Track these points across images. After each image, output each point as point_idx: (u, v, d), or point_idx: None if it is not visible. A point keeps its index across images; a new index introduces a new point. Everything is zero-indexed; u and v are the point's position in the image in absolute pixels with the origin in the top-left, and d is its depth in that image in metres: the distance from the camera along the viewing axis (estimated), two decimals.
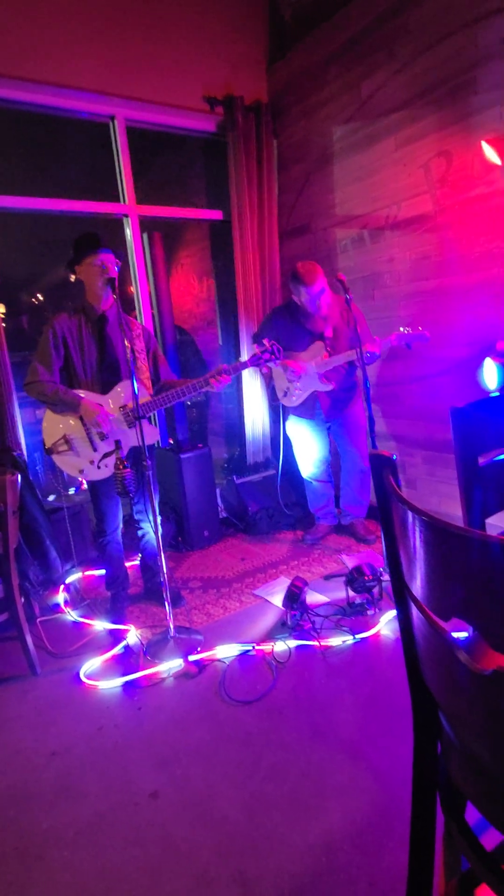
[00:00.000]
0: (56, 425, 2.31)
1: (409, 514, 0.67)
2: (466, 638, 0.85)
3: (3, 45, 2.68)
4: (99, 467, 2.32)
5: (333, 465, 3.25)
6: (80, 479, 2.36)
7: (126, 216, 3.28)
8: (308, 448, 3.12)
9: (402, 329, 2.62)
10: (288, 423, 3.14)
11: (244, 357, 3.62)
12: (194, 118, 3.34)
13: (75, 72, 2.88)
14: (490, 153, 2.29)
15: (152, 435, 2.40)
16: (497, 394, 2.15)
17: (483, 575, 0.59)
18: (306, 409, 2.98)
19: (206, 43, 3.27)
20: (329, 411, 2.96)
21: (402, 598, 0.79)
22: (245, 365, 2.46)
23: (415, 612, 0.74)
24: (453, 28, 2.44)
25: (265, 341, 2.48)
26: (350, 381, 2.96)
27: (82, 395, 2.28)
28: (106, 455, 2.29)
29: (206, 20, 3.25)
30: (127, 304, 3.46)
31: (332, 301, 2.82)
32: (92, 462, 2.31)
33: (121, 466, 2.04)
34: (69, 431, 2.30)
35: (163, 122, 3.27)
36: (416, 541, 0.67)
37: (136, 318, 3.47)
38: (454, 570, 0.63)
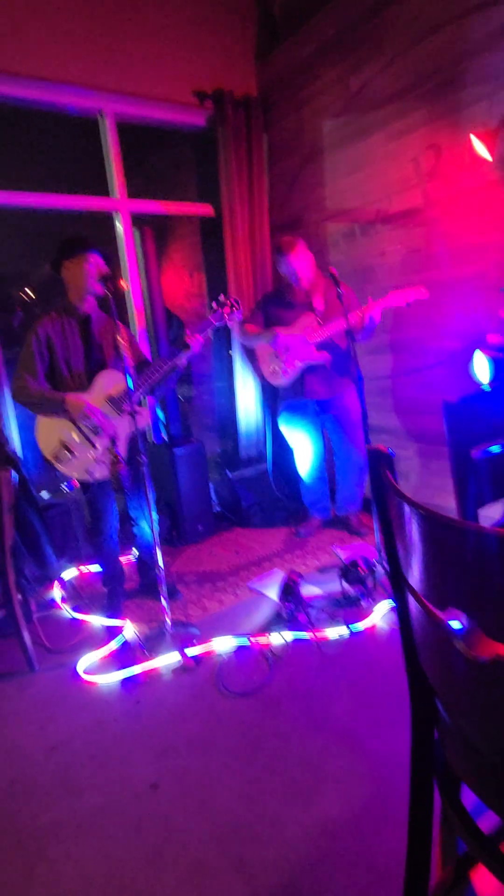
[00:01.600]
0: (50, 434, 2.28)
1: (407, 508, 0.68)
2: (462, 627, 0.87)
3: None
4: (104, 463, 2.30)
5: (327, 459, 3.27)
6: (89, 479, 2.34)
7: (117, 211, 3.26)
8: (302, 446, 3.13)
9: (396, 290, 2.61)
10: (281, 420, 3.15)
11: (235, 352, 3.63)
12: (184, 112, 3.32)
13: (62, 66, 2.85)
14: (479, 147, 2.30)
15: (145, 417, 2.37)
16: (488, 387, 2.18)
17: (478, 566, 0.61)
18: (296, 391, 2.96)
19: (195, 37, 3.24)
20: (319, 391, 2.92)
21: (399, 589, 0.81)
22: (210, 323, 2.39)
23: (412, 602, 0.76)
24: (442, 21, 2.44)
25: (221, 297, 2.44)
26: (344, 364, 2.93)
27: (66, 392, 2.26)
28: (107, 450, 2.28)
29: (196, 14, 3.22)
30: (118, 299, 3.44)
31: (314, 277, 2.86)
32: (96, 461, 2.30)
33: (116, 462, 2.04)
34: (64, 436, 2.28)
35: (152, 116, 3.24)
36: (414, 533, 0.69)
37: (126, 313, 3.46)
38: (450, 561, 0.65)
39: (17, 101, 2.84)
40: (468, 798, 0.92)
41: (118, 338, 2.08)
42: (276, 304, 2.97)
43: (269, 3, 3.40)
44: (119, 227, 3.30)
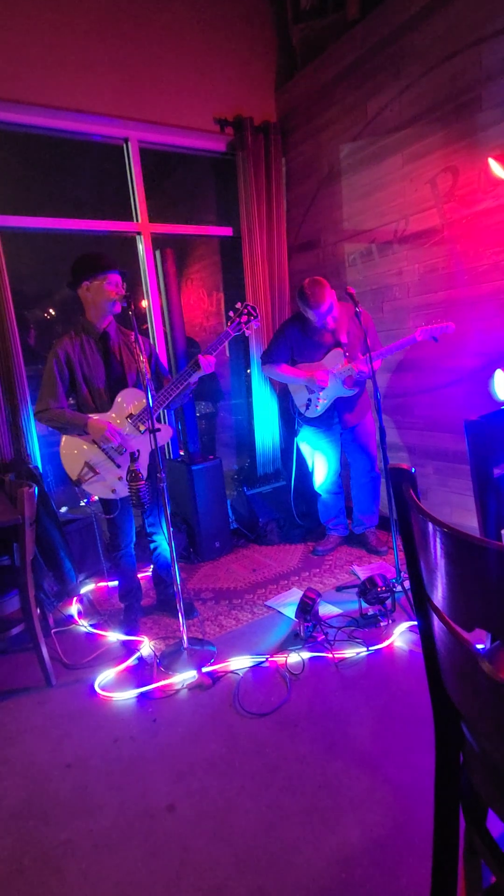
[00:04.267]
0: (75, 455, 2.31)
1: (430, 526, 0.68)
2: (488, 647, 0.86)
3: (20, 72, 2.77)
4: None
5: (344, 475, 3.27)
6: (114, 497, 2.36)
7: (139, 234, 3.35)
8: (320, 460, 3.13)
9: (424, 326, 2.62)
10: (301, 437, 3.16)
11: (253, 369, 3.66)
12: (205, 139, 3.42)
13: (91, 96, 2.97)
14: (496, 168, 2.33)
15: (166, 433, 2.38)
16: None
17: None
18: (324, 420, 2.99)
19: (216, 67, 3.35)
20: (346, 419, 2.97)
21: (422, 608, 0.80)
22: (227, 335, 2.34)
23: (436, 622, 0.75)
24: (458, 48, 2.49)
25: (238, 304, 2.37)
26: (363, 386, 3.00)
27: (88, 415, 2.29)
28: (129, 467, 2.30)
29: (218, 45, 3.34)
30: (139, 319, 3.52)
31: (339, 311, 2.85)
32: (120, 479, 2.32)
33: (136, 478, 2.06)
34: (89, 457, 2.31)
35: (175, 143, 3.35)
36: (437, 552, 0.68)
37: (147, 331, 3.53)
38: (476, 581, 0.65)
39: (47, 130, 2.97)
40: (495, 826, 0.90)
41: (142, 357, 2.11)
42: (300, 337, 2.93)
43: (289, 34, 3.50)
44: (141, 248, 3.38)
